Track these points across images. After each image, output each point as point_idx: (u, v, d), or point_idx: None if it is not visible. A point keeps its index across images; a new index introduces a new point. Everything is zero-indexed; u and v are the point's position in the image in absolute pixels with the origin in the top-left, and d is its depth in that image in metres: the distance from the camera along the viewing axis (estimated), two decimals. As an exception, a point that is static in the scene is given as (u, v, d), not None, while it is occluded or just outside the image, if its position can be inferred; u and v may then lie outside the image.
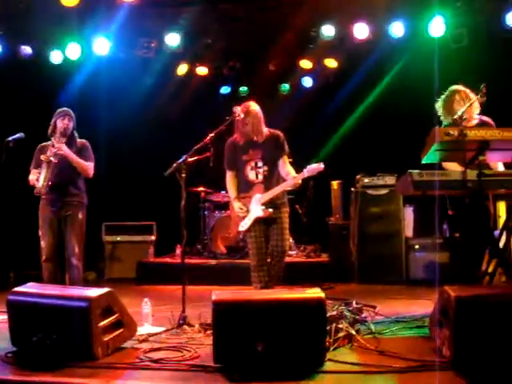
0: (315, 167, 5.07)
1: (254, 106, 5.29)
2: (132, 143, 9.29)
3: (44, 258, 5.49)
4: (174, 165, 4.89)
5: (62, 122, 5.54)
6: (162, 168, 5.07)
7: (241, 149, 5.32)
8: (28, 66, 8.48)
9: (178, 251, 8.53)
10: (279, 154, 5.27)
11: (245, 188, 5.32)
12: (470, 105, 4.84)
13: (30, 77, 8.43)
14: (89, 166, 5.61)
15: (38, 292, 3.90)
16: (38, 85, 8.48)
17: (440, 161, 4.81)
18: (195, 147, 5.03)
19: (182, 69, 9.42)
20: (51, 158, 5.35)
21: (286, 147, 5.31)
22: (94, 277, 8.49)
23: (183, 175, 4.88)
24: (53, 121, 5.60)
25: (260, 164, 5.25)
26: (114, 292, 4.00)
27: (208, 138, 5.15)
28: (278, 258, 5.24)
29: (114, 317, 3.88)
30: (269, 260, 5.29)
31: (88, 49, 8.54)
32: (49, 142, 5.60)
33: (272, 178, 5.26)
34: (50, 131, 5.60)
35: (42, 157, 5.38)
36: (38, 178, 5.36)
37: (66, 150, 5.44)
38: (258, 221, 5.21)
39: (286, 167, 5.27)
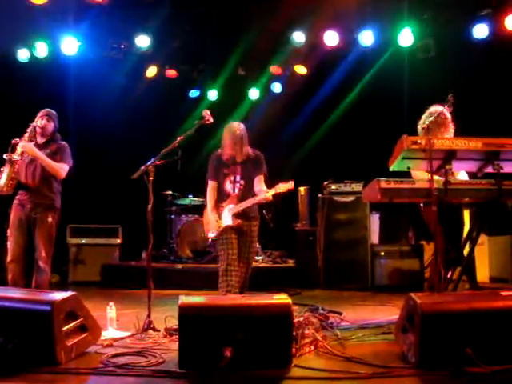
0: (286, 185, 5.39)
1: (239, 127, 5.57)
2: (99, 145, 9.17)
3: (9, 259, 5.31)
4: (142, 168, 4.83)
5: (41, 122, 5.43)
6: (129, 170, 5.00)
7: (223, 163, 5.61)
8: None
9: (144, 255, 8.46)
10: (256, 173, 5.58)
11: (221, 198, 5.61)
12: (437, 116, 4.89)
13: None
14: (59, 167, 5.42)
15: (0, 295, 3.80)
16: (4, 83, 8.33)
17: (409, 169, 4.85)
18: (164, 150, 4.99)
19: (152, 71, 9.38)
20: (14, 157, 5.23)
21: (264, 168, 5.63)
22: (58, 279, 8.35)
23: (151, 178, 4.82)
24: (35, 120, 5.47)
25: (238, 179, 5.59)
26: (78, 296, 3.92)
27: (177, 141, 5.11)
28: (243, 268, 5.51)
29: (77, 321, 3.80)
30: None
31: (56, 48, 8.42)
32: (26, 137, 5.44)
33: (247, 193, 5.56)
34: (29, 130, 5.45)
35: (5, 155, 5.24)
36: (0, 176, 5.25)
37: (31, 150, 5.29)
38: (228, 228, 5.47)
39: (260, 184, 5.57)
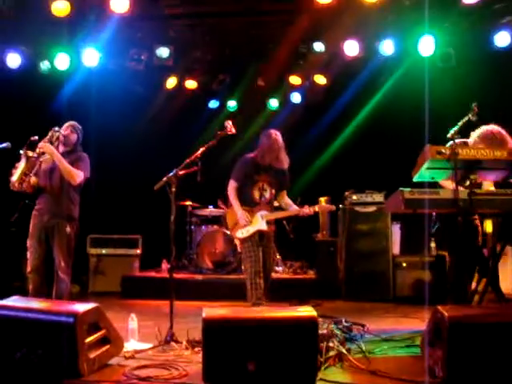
0: (328, 206, 6.09)
1: (279, 136, 5.70)
2: (120, 156, 9.20)
3: (29, 269, 5.33)
4: (165, 178, 4.84)
5: (65, 132, 5.49)
6: (149, 181, 5.01)
7: (257, 168, 5.69)
8: (16, 76, 8.39)
9: (164, 265, 8.46)
10: (284, 187, 5.86)
11: (247, 203, 5.70)
12: (464, 123, 4.82)
13: (18, 86, 8.34)
14: (75, 172, 5.37)
15: (23, 306, 3.80)
16: (25, 95, 8.40)
17: (433, 179, 4.79)
18: (186, 161, 4.99)
19: (171, 82, 9.39)
20: (30, 153, 5.20)
21: (289, 183, 5.91)
22: (78, 290, 8.35)
23: (173, 189, 4.83)
24: (61, 130, 5.51)
25: (266, 187, 5.72)
26: (100, 307, 3.92)
27: (199, 152, 5.11)
28: (269, 272, 5.75)
29: (100, 333, 3.80)
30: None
31: (77, 60, 8.47)
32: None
33: (273, 203, 5.84)
34: (50, 136, 5.44)
35: (21, 150, 5.22)
36: (13, 171, 5.24)
37: (51, 150, 5.27)
38: (258, 233, 5.61)
39: (286, 198, 5.91)
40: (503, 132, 5.03)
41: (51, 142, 5.39)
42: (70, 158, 5.43)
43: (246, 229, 5.62)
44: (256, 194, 5.69)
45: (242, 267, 6.22)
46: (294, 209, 5.81)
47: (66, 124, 5.59)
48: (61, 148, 5.46)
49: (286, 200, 5.90)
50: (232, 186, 5.71)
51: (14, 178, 5.22)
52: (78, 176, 5.40)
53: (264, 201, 5.71)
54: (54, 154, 5.28)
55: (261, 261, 5.56)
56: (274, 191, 5.77)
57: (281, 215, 5.86)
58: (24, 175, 5.23)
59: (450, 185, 4.83)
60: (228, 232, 7.88)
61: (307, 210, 5.65)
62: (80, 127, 5.68)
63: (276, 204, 6.04)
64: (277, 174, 5.74)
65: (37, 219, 5.40)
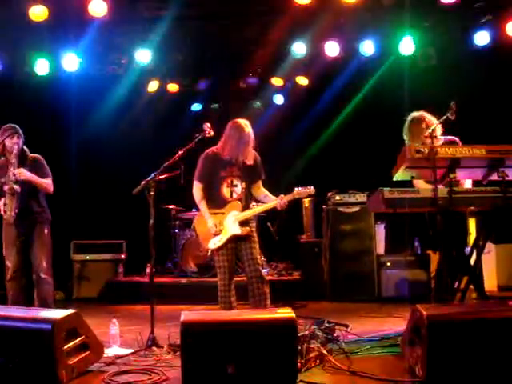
0: (305, 190, 5.11)
1: (248, 126, 5.09)
2: (102, 160, 9.16)
3: (8, 277, 5.32)
4: (143, 182, 4.82)
5: (11, 141, 5.31)
6: (132, 185, 4.98)
7: (221, 164, 5.06)
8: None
9: (148, 270, 8.41)
10: (257, 177, 5.20)
11: (217, 204, 5.07)
12: (441, 122, 4.83)
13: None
14: (48, 183, 5.43)
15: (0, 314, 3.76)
16: (5, 100, 8.33)
17: (413, 178, 4.80)
18: (165, 164, 4.96)
19: (153, 85, 9.36)
20: (14, 187, 5.16)
21: (263, 172, 5.24)
22: (62, 296, 8.29)
23: (152, 193, 4.80)
24: (0, 140, 5.34)
25: (236, 182, 5.07)
26: (79, 313, 3.88)
27: (177, 155, 5.08)
28: (258, 284, 4.96)
29: (79, 339, 3.76)
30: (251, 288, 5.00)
31: (57, 65, 8.42)
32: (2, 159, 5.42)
33: (247, 198, 5.13)
34: None
35: (6, 188, 5.19)
36: (5, 209, 5.23)
37: (26, 175, 5.24)
38: (229, 240, 4.98)
39: (261, 190, 5.25)
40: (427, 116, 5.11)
41: (3, 159, 5.36)
42: (29, 166, 5.36)
43: (217, 238, 4.98)
44: (225, 192, 5.05)
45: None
46: (270, 200, 5.13)
47: (7, 130, 5.35)
48: (14, 158, 5.25)
49: (262, 191, 5.23)
50: (197, 187, 5.11)
51: (8, 214, 5.21)
52: (51, 185, 5.45)
53: (236, 198, 5.05)
54: (31, 180, 5.28)
55: (232, 271, 5.02)
56: (245, 184, 5.08)
57: (255, 211, 5.10)
58: (16, 208, 5.21)
59: (422, 184, 4.86)
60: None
61: (285, 198, 5.01)
62: (16, 127, 5.43)
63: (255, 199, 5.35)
64: (246, 167, 5.09)
65: (11, 229, 5.33)
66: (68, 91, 8.74)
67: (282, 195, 5.06)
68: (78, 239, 8.63)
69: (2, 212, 5.28)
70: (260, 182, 5.24)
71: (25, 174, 5.21)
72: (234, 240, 5.00)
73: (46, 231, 5.43)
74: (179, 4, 7.77)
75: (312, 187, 5.13)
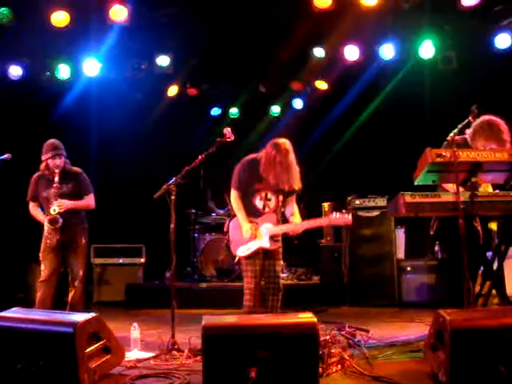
0: (343, 218, 4.99)
1: (289, 149, 4.97)
2: (122, 165, 9.21)
3: (42, 279, 5.57)
4: (164, 187, 4.83)
5: (53, 162, 5.60)
6: (153, 189, 5.00)
7: (257, 176, 4.96)
8: (18, 87, 8.42)
9: (168, 274, 8.44)
10: (291, 193, 5.10)
11: (251, 214, 5.01)
12: (462, 126, 4.80)
13: (19, 97, 8.37)
14: (90, 202, 5.84)
15: (22, 317, 3.78)
16: (27, 105, 8.43)
17: (434, 182, 4.76)
18: (185, 169, 4.97)
19: (173, 90, 9.41)
20: (58, 220, 5.49)
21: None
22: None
23: (173, 197, 4.81)
24: (44, 158, 5.64)
25: (270, 196, 5.01)
26: (100, 317, 3.90)
27: (198, 160, 5.09)
28: (274, 295, 4.97)
29: (100, 343, 3.77)
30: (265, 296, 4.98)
31: (78, 69, 8.50)
32: (45, 174, 5.69)
33: (280, 212, 5.04)
34: (42, 167, 5.69)
35: (49, 229, 5.52)
36: (48, 236, 5.55)
37: (67, 206, 5.56)
38: (257, 252, 4.92)
39: (293, 206, 5.18)
40: (500, 122, 4.98)
41: (49, 179, 5.62)
42: (71, 182, 5.70)
43: (246, 246, 4.91)
44: (259, 204, 5.00)
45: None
46: (297, 222, 5.05)
47: (49, 151, 5.61)
48: (56, 177, 5.57)
49: (293, 209, 5.17)
50: (234, 195, 5.05)
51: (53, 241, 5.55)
52: (92, 201, 5.88)
53: (269, 211, 4.98)
54: (70, 206, 5.59)
55: (258, 281, 4.89)
56: (281, 198, 4.98)
57: (292, 228, 4.97)
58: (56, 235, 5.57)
59: (451, 187, 4.80)
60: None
61: (321, 222, 5.17)
62: (60, 145, 5.71)
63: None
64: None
65: (53, 236, 5.58)
66: (88, 96, 8.81)
67: (298, 215, 5.09)
68: (98, 243, 8.68)
69: (45, 236, 5.57)
70: (293, 198, 5.17)
71: (65, 205, 5.54)
72: (262, 252, 4.92)
73: (83, 241, 5.75)
74: (198, 9, 7.82)
75: (350, 216, 4.99)
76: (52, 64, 8.45)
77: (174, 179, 4.86)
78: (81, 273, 5.66)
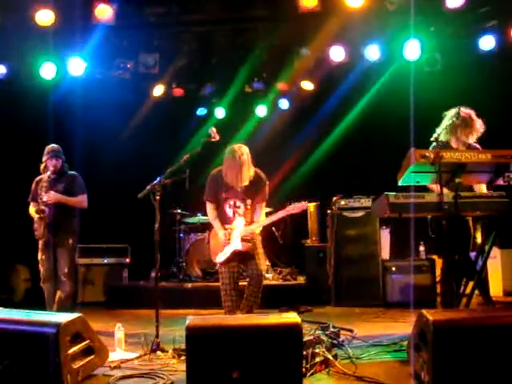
0: (299, 205, 5.44)
1: (241, 152, 5.34)
2: (107, 164, 9.16)
3: (42, 280, 5.90)
4: (148, 187, 4.82)
5: (51, 162, 5.97)
6: (137, 190, 4.99)
7: (224, 185, 5.47)
8: (1, 86, 8.35)
9: (153, 274, 8.41)
10: (259, 200, 5.53)
11: (224, 221, 5.52)
12: (446, 127, 4.83)
13: (3, 96, 8.30)
14: (81, 200, 6.09)
15: (5, 317, 3.75)
16: (11, 105, 8.36)
17: (418, 183, 4.78)
18: (170, 169, 4.96)
19: (158, 90, 9.38)
20: (45, 209, 5.80)
21: (265, 195, 5.55)
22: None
23: (157, 197, 4.80)
24: (44, 159, 6.02)
25: (239, 204, 5.50)
26: (83, 317, 3.88)
27: (183, 159, 5.08)
28: (254, 280, 5.38)
29: (84, 343, 3.76)
30: (246, 283, 5.48)
31: (63, 69, 8.45)
32: (43, 176, 6.01)
33: (248, 215, 5.52)
34: (42, 168, 6.06)
35: (36, 216, 5.84)
36: (36, 228, 5.87)
37: (56, 198, 5.86)
38: (235, 253, 5.38)
39: (260, 213, 5.57)
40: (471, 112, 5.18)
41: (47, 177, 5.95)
42: (65, 182, 6.05)
43: (223, 252, 5.40)
44: (229, 212, 5.51)
45: None
46: (261, 220, 5.55)
47: (50, 153, 6.00)
48: (52, 175, 5.96)
49: (259, 214, 5.56)
50: (208, 207, 5.60)
51: (41, 232, 5.85)
52: (84, 201, 6.14)
53: (241, 217, 5.47)
54: (60, 200, 5.89)
55: (233, 282, 5.39)
56: (248, 205, 5.50)
57: (252, 228, 5.44)
58: (45, 228, 5.87)
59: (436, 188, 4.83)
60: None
61: (279, 214, 5.48)
62: (60, 148, 6.10)
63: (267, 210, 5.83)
64: (248, 188, 5.46)
65: (46, 237, 5.88)
66: (73, 95, 8.74)
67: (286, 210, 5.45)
68: (82, 243, 8.61)
69: (34, 227, 5.89)
70: (261, 206, 5.56)
71: (54, 197, 5.85)
72: (238, 255, 5.41)
73: (70, 241, 5.99)
74: (184, 9, 7.80)
75: (305, 202, 5.47)
76: (37, 63, 8.39)
77: (158, 179, 4.85)
78: (66, 270, 5.84)
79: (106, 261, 8.62)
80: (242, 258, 5.44)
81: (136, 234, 8.56)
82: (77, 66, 8.37)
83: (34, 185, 6.12)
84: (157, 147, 9.26)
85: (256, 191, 5.48)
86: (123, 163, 9.20)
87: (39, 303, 5.88)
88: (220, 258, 5.42)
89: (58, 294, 5.86)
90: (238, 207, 5.48)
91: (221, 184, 5.46)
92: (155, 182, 4.83)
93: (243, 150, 5.38)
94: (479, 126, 5.18)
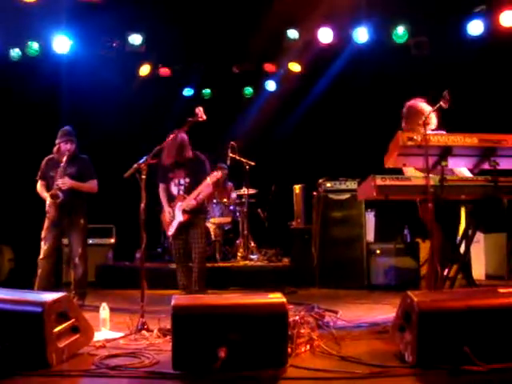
0: (215, 174, 6.18)
1: (177, 135, 5.73)
2: (91, 144, 9.06)
3: (42, 256, 5.98)
4: (134, 166, 4.78)
5: (65, 147, 6.14)
6: (123, 169, 4.95)
7: (168, 167, 6.26)
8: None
9: (138, 255, 8.40)
10: (202, 176, 6.19)
11: (170, 200, 6.36)
12: (434, 111, 4.83)
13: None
14: (92, 185, 6.29)
15: (-10, 296, 3.73)
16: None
17: (404, 165, 4.80)
18: (156, 148, 4.93)
19: (145, 69, 9.31)
20: (59, 194, 5.94)
21: (207, 169, 6.29)
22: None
23: (143, 176, 4.76)
24: (57, 142, 6.16)
25: (182, 181, 6.30)
26: (69, 296, 3.86)
27: (169, 139, 5.05)
28: (197, 259, 6.22)
29: (69, 322, 3.73)
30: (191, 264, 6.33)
31: (48, 47, 8.34)
32: (54, 156, 6.20)
33: (189, 192, 6.24)
34: (55, 150, 6.19)
35: (51, 192, 5.96)
36: (48, 209, 5.99)
37: (69, 184, 6.01)
38: (180, 226, 6.23)
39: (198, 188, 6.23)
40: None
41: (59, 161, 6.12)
42: (77, 165, 6.21)
43: (172, 225, 6.27)
44: (174, 190, 6.33)
45: None
46: (199, 188, 6.18)
47: (63, 136, 6.16)
48: (65, 158, 6.09)
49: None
50: (160, 188, 6.43)
51: (52, 214, 6.00)
52: (95, 186, 6.35)
53: (182, 194, 6.26)
54: (73, 186, 6.06)
55: (181, 254, 6.33)
56: (191, 181, 6.25)
57: (189, 200, 6.16)
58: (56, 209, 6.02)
59: (412, 172, 4.85)
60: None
61: (203, 185, 6.12)
62: (73, 132, 6.29)
63: None
64: (189, 166, 6.24)
65: (54, 215, 6.00)
66: (58, 73, 8.64)
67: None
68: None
69: (47, 210, 6.01)
70: (207, 179, 6.15)
71: (69, 183, 6.02)
72: (183, 227, 6.25)
73: (82, 221, 6.19)
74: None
75: (219, 172, 6.32)
76: (21, 41, 8.28)
77: (144, 158, 4.81)
78: (80, 250, 6.10)
79: (90, 241, 8.55)
80: (185, 229, 6.26)
81: (121, 214, 8.53)
82: (62, 43, 8.27)
83: (43, 163, 6.27)
84: (143, 127, 9.21)
85: (198, 170, 6.24)
86: (108, 142, 9.14)
87: (23, 283, 5.91)
88: (170, 231, 6.34)
89: (74, 275, 6.16)
90: (182, 184, 6.32)
91: (164, 167, 6.25)
92: (141, 161, 4.78)
93: (180, 134, 5.92)
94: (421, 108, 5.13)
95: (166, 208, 6.34)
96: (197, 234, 6.26)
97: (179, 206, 6.23)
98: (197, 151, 6.32)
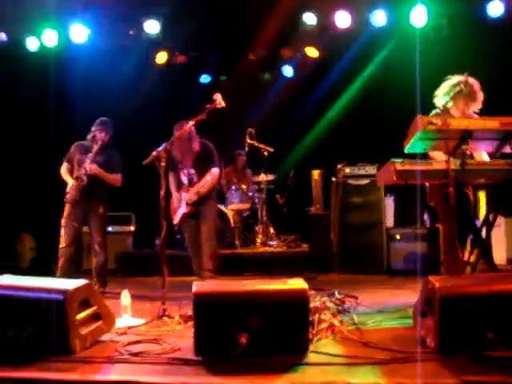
0: (213, 171, 6.17)
1: (185, 127, 5.43)
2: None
3: (64, 244, 6.05)
4: (153, 153, 4.79)
5: (100, 135, 6.26)
6: (142, 157, 4.96)
7: (178, 158, 6.19)
8: (3, 53, 8.27)
9: (157, 242, 8.44)
10: (209, 166, 6.18)
11: (179, 189, 6.34)
12: (449, 93, 4.77)
13: (5, 64, 8.23)
14: (116, 178, 6.31)
15: (13, 284, 3.77)
16: (13, 72, 8.29)
17: (425, 150, 4.74)
18: (175, 135, 4.93)
19: (161, 57, 9.30)
20: (83, 178, 6.02)
21: (215, 160, 6.22)
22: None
23: (162, 164, 4.77)
24: (93, 130, 6.29)
25: (192, 172, 6.25)
26: (91, 284, 3.91)
27: (188, 126, 5.05)
28: (205, 244, 6.15)
29: (91, 309, 3.77)
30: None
31: (65, 36, 8.35)
32: (85, 143, 6.32)
33: (194, 183, 6.23)
34: (89, 138, 6.30)
35: (76, 174, 6.06)
36: (70, 190, 6.07)
37: (95, 171, 6.09)
38: (186, 216, 6.24)
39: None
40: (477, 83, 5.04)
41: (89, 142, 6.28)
42: (106, 156, 6.27)
43: (177, 215, 6.27)
44: (184, 180, 6.30)
45: None
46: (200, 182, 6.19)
47: (100, 125, 6.30)
48: (95, 146, 6.18)
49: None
50: (170, 175, 6.29)
51: (71, 196, 6.07)
52: (119, 180, 6.37)
53: (187, 186, 6.25)
54: (98, 174, 6.13)
55: (192, 241, 6.36)
56: (198, 172, 6.19)
57: (194, 190, 6.15)
58: (77, 193, 6.08)
59: (439, 156, 4.80)
60: (221, 207, 7.96)
61: (202, 181, 6.14)
62: (110, 123, 6.42)
63: None
64: (198, 158, 6.16)
65: (75, 202, 6.08)
66: (76, 62, 8.66)
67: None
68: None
69: (67, 191, 6.08)
70: (209, 170, 6.17)
71: (95, 170, 6.09)
72: (190, 217, 6.26)
73: (101, 210, 6.23)
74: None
75: (214, 170, 6.22)
76: (38, 30, 8.30)
77: (163, 145, 4.82)
78: (99, 238, 6.18)
79: (110, 229, 8.61)
80: (195, 219, 6.26)
81: (140, 201, 8.57)
82: (79, 32, 8.28)
83: (73, 147, 6.35)
84: (161, 114, 9.20)
85: (205, 160, 6.18)
86: (127, 130, 9.13)
87: (45, 272, 5.95)
88: (175, 219, 6.31)
89: (96, 263, 6.23)
90: (191, 175, 6.26)
91: (173, 157, 6.13)
92: (160, 148, 4.79)
93: (187, 126, 5.57)
94: (480, 98, 5.08)
95: (175, 194, 6.33)
96: (204, 221, 6.21)
97: (184, 197, 6.25)
98: (205, 140, 6.27)
